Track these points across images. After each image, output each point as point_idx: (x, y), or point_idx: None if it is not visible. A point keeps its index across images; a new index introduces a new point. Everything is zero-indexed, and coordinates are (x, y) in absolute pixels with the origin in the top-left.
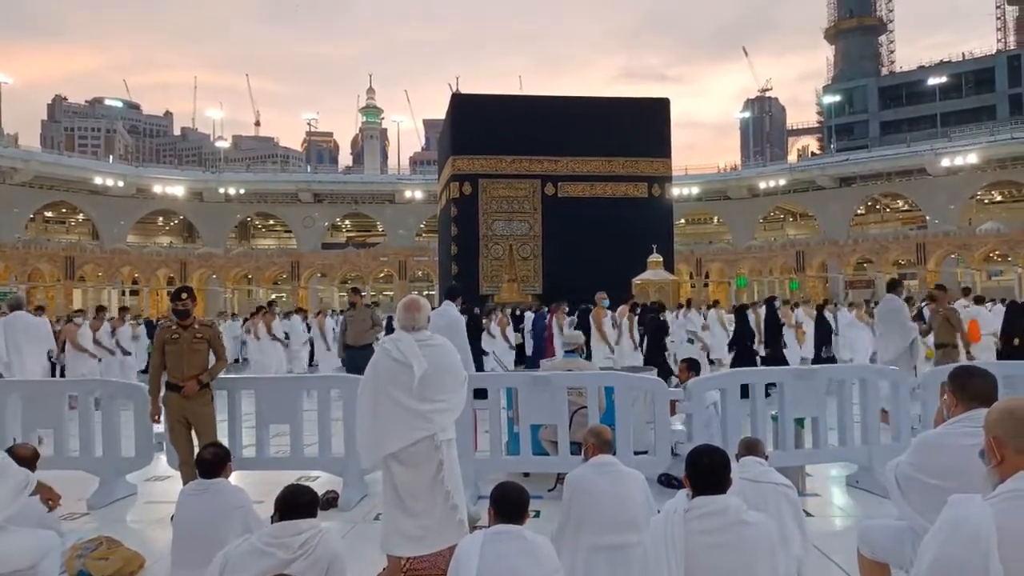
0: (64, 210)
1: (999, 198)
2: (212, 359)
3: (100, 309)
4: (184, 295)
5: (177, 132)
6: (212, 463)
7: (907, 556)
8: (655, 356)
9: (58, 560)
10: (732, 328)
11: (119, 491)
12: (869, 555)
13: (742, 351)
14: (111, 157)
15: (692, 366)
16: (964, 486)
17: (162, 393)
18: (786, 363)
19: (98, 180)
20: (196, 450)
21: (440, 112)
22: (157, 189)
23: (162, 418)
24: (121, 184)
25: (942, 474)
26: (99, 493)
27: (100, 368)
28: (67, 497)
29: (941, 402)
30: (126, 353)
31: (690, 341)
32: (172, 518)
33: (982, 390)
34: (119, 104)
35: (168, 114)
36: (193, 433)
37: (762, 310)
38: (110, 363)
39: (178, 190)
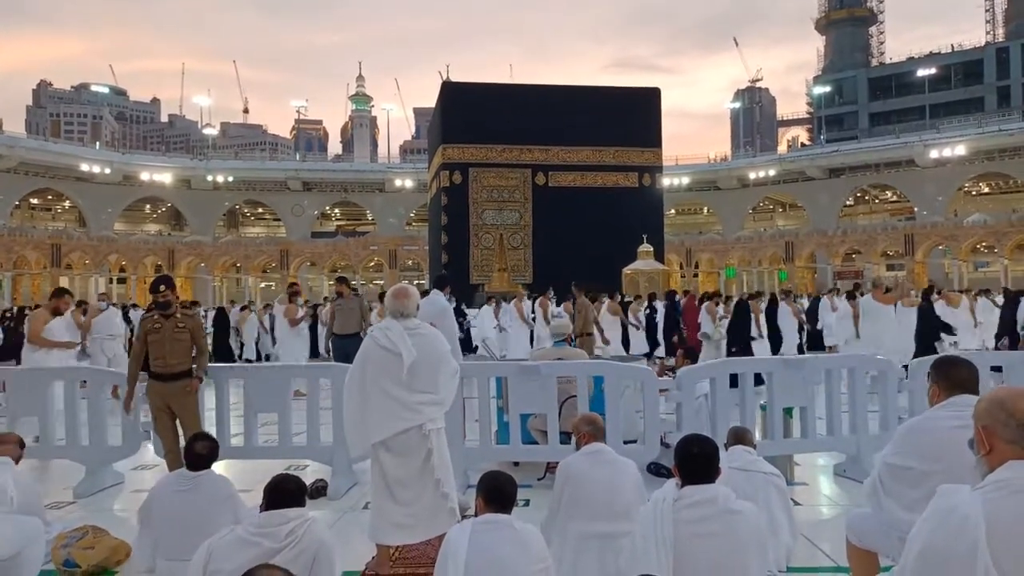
0: (50, 197)
1: (986, 190)
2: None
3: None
4: (163, 287)
5: (164, 119)
6: (206, 458)
7: (895, 544)
8: (927, 347)
9: (42, 549)
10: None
11: (106, 480)
12: (857, 543)
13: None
14: (97, 144)
15: (689, 354)
16: (951, 468)
17: (145, 382)
18: None
19: (84, 167)
20: (181, 439)
21: (430, 100)
22: (144, 176)
23: (133, 406)
24: (108, 171)
25: (929, 457)
26: (85, 482)
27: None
28: (53, 486)
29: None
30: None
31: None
32: (145, 506)
33: (964, 378)
34: (105, 90)
35: (155, 101)
36: (178, 422)
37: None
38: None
39: (165, 177)
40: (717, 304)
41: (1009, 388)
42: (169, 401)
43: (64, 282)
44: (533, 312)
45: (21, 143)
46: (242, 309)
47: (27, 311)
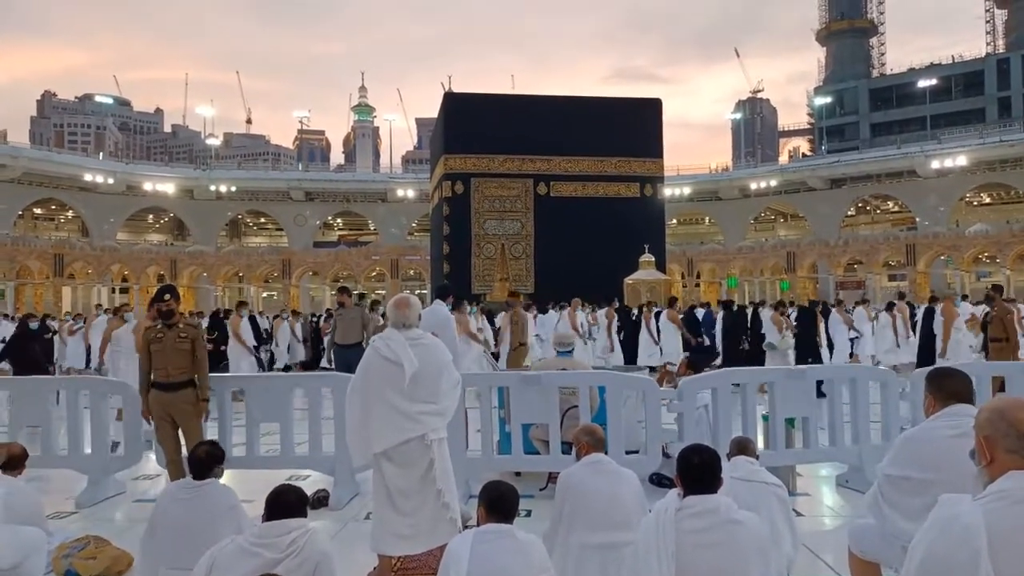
0: (53, 207)
1: (988, 200)
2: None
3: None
4: (167, 296)
5: (168, 129)
6: (207, 462)
7: (897, 555)
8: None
9: (43, 559)
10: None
11: (108, 490)
12: (859, 554)
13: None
14: (101, 154)
15: (692, 363)
16: (949, 478)
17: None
18: None
19: (88, 177)
20: (183, 448)
21: (433, 111)
22: (147, 186)
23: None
24: (111, 181)
25: (928, 466)
26: (87, 492)
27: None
28: (55, 496)
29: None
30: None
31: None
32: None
33: (957, 389)
34: (109, 101)
35: (159, 111)
36: (180, 432)
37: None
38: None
39: (169, 187)
40: (783, 313)
41: (1010, 398)
42: (171, 411)
43: (67, 292)
44: (591, 322)
45: (25, 153)
46: (275, 317)
47: (48, 319)
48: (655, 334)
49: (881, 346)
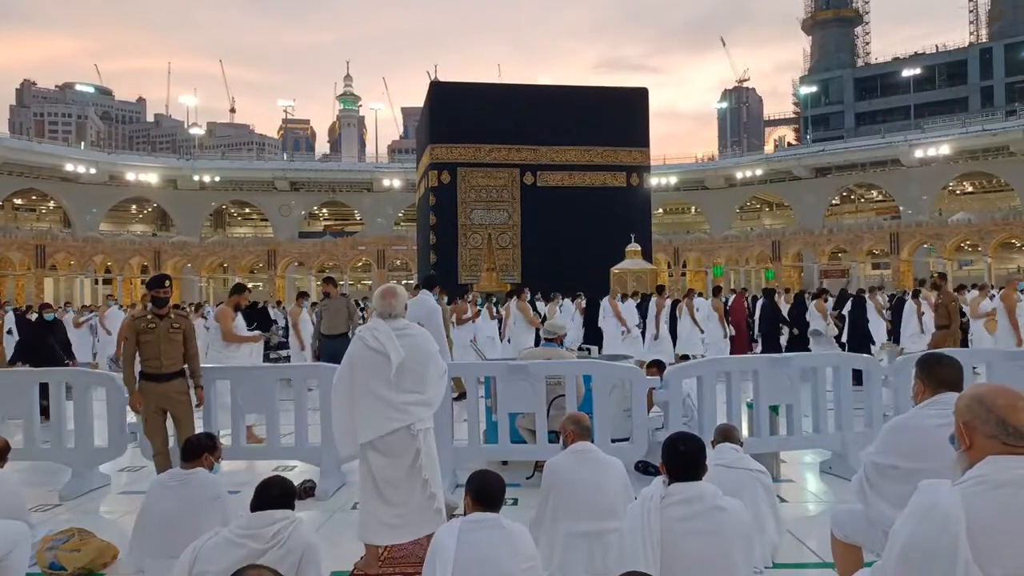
0: (34, 197)
1: (970, 189)
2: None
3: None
4: (167, 282)
5: (150, 118)
6: (197, 447)
7: (879, 539)
8: None
9: (27, 552)
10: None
11: (92, 482)
12: (842, 538)
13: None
14: (83, 143)
15: (660, 367)
16: (936, 466)
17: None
18: None
19: (69, 167)
20: (172, 440)
21: (419, 100)
22: (130, 176)
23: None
24: (93, 171)
25: (915, 455)
26: (71, 484)
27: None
28: (39, 488)
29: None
30: None
31: None
32: (141, 507)
33: (948, 376)
34: (90, 89)
35: (141, 100)
36: (170, 423)
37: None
38: None
39: (152, 177)
40: (826, 301)
41: (989, 384)
42: (165, 403)
43: (49, 284)
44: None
45: (5, 143)
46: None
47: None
48: (693, 324)
49: (906, 332)
